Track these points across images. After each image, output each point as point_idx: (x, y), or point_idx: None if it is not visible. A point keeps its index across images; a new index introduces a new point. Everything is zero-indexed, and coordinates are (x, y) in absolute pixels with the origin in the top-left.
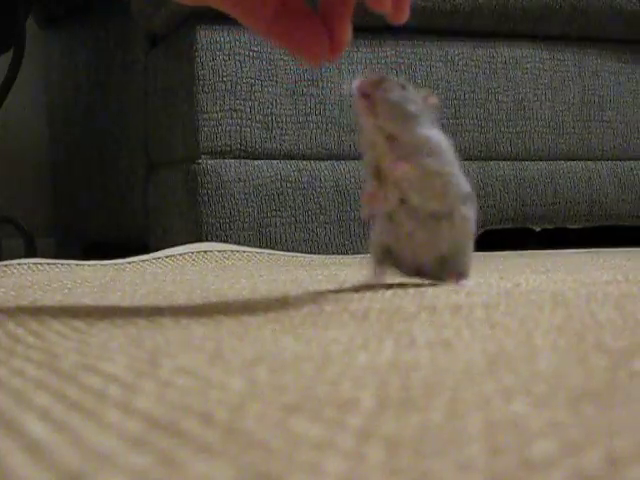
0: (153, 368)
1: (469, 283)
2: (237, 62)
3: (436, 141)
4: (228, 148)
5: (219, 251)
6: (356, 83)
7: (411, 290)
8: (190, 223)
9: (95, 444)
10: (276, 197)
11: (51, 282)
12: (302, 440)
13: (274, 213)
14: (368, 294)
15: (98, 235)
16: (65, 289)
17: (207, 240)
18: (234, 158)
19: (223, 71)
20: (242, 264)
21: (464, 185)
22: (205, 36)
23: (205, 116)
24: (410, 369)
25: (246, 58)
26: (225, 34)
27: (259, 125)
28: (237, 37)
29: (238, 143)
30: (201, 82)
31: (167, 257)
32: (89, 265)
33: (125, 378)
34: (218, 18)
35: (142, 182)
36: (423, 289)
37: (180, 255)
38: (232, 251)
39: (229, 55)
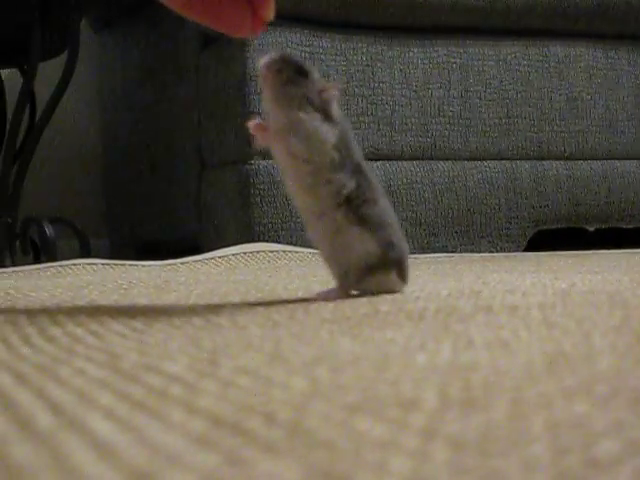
0: (214, 368)
1: (329, 294)
2: None
3: (308, 127)
4: None
5: (271, 251)
6: (262, 60)
7: (466, 290)
8: (242, 224)
9: (161, 443)
10: None
11: (106, 282)
12: (367, 439)
13: None
14: (423, 294)
15: (151, 236)
16: (121, 289)
17: (259, 240)
18: None
19: None
20: (294, 264)
21: (346, 188)
22: (257, 37)
23: (257, 116)
24: (470, 369)
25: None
26: (277, 34)
27: None
28: (289, 37)
29: None
30: (253, 83)
31: (220, 257)
32: (143, 265)
33: (187, 378)
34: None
35: (195, 183)
36: (477, 289)
37: (233, 255)
38: (284, 251)
39: None
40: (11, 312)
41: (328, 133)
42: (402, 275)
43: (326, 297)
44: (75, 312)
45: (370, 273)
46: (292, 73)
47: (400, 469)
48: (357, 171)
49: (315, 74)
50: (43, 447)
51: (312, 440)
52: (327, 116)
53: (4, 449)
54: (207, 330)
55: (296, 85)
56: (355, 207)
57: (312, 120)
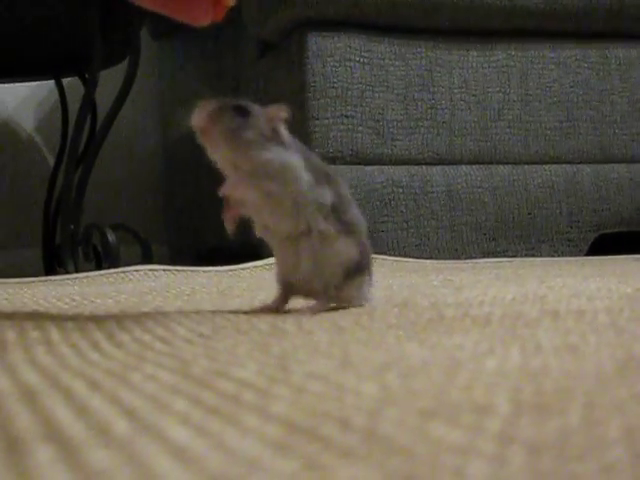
0: (285, 374)
1: (316, 307)
2: (348, 68)
3: (275, 164)
4: (339, 154)
5: None
6: (195, 117)
7: (530, 295)
8: None
9: (239, 449)
10: (387, 202)
11: (169, 288)
12: (443, 445)
13: (385, 218)
14: (487, 299)
15: (211, 242)
16: (184, 295)
17: None
18: (345, 164)
19: (334, 77)
20: None
21: (326, 200)
22: (315, 43)
23: (316, 122)
24: (540, 374)
25: (357, 64)
26: (336, 40)
27: (370, 131)
28: (348, 43)
29: (349, 149)
30: (312, 89)
31: None
32: (204, 271)
33: (258, 384)
34: (329, 25)
35: None
36: (542, 294)
37: None
38: None
39: (340, 61)
40: (78, 318)
41: (294, 160)
42: (371, 277)
43: (314, 310)
44: (141, 318)
45: (349, 278)
46: (235, 118)
47: (478, 474)
48: (329, 180)
49: (253, 107)
50: (121, 453)
51: (388, 446)
52: (283, 145)
53: (83, 455)
54: (274, 336)
55: (246, 127)
56: (340, 214)
57: (278, 156)
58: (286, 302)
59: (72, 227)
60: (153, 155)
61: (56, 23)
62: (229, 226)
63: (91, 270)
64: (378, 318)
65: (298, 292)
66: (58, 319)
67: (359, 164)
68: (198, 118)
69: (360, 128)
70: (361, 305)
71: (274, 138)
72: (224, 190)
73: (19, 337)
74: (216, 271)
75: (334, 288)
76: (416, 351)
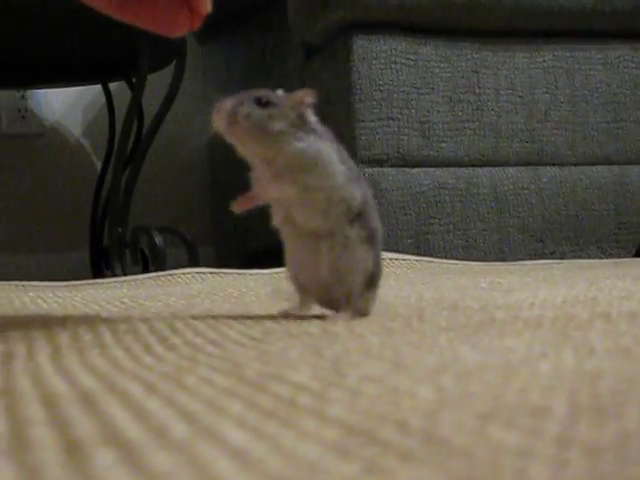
0: (339, 377)
1: (341, 316)
2: (394, 70)
3: (311, 154)
4: (385, 156)
5: (390, 259)
6: (215, 119)
7: (581, 297)
8: None
9: (298, 452)
10: (434, 204)
11: (217, 291)
12: (502, 447)
13: (432, 220)
14: (537, 301)
15: (257, 244)
16: (232, 298)
17: None
18: (391, 166)
19: (380, 80)
20: (402, 272)
21: (356, 200)
22: (361, 45)
23: (362, 125)
24: (595, 377)
25: (402, 66)
26: (381, 43)
27: (416, 133)
28: (393, 46)
29: (395, 151)
30: (358, 91)
31: None
32: (250, 274)
33: (313, 387)
34: (374, 27)
35: None
36: (592, 296)
37: None
38: (391, 259)
39: (385, 64)
40: (130, 321)
41: (329, 151)
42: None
43: (341, 319)
44: (192, 321)
45: (366, 291)
46: (257, 109)
47: (539, 476)
48: (358, 180)
49: (275, 95)
50: (181, 455)
51: (448, 448)
52: (316, 134)
53: (144, 458)
54: (325, 339)
55: (272, 118)
56: (365, 221)
57: (312, 145)
58: (308, 308)
59: (120, 230)
60: (199, 158)
61: (103, 28)
62: (237, 209)
63: (138, 273)
64: (428, 321)
65: (315, 299)
66: (110, 322)
67: (405, 166)
68: (218, 119)
69: (406, 130)
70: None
71: (303, 125)
72: (257, 194)
73: (72, 340)
74: (263, 274)
75: (351, 300)
76: (469, 354)
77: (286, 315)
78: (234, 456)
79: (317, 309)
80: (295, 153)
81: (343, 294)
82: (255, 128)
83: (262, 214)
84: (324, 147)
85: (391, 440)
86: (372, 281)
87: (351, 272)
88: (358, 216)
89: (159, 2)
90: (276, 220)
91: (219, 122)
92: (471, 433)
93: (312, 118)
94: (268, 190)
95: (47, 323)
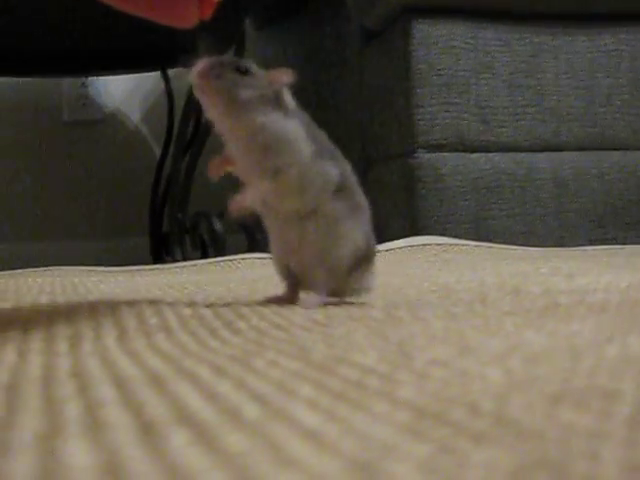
0: (406, 360)
1: (314, 300)
2: (453, 55)
3: (273, 129)
4: (444, 142)
5: (438, 244)
6: (193, 70)
7: None
8: (407, 217)
9: (370, 433)
10: (493, 190)
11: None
12: (573, 429)
13: (491, 206)
14: (600, 286)
15: None
16: None
17: (424, 234)
18: (450, 151)
19: (439, 65)
20: (462, 257)
21: (332, 177)
22: (420, 30)
23: (421, 110)
24: None
25: (462, 51)
26: (440, 27)
27: (475, 118)
28: (452, 30)
29: (454, 136)
30: (417, 76)
31: (386, 251)
32: None
33: (381, 369)
34: (433, 12)
35: (359, 177)
36: None
37: (399, 249)
38: (451, 244)
39: (445, 48)
40: (194, 306)
41: (295, 129)
42: (374, 269)
43: (311, 304)
44: (255, 305)
45: (356, 269)
46: (234, 74)
47: (613, 457)
48: (335, 158)
49: (255, 67)
50: (255, 437)
51: (519, 430)
52: (285, 110)
53: (218, 439)
54: (388, 323)
55: (244, 87)
56: (347, 196)
57: (275, 121)
58: (297, 293)
59: (180, 216)
60: None
61: None
62: (212, 174)
63: (197, 259)
64: (491, 305)
65: (299, 283)
66: (174, 307)
67: (464, 152)
68: (195, 71)
69: (465, 115)
70: (364, 298)
71: (275, 103)
72: (236, 204)
73: (139, 324)
74: None
75: (339, 279)
76: (534, 338)
77: (276, 301)
78: (307, 437)
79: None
80: (257, 127)
81: (323, 276)
82: (223, 91)
83: None
84: (289, 124)
85: (462, 422)
86: (365, 258)
87: (337, 248)
88: (337, 192)
89: None
90: (257, 206)
91: (193, 75)
92: (542, 415)
93: (287, 97)
94: (246, 198)
95: (112, 307)
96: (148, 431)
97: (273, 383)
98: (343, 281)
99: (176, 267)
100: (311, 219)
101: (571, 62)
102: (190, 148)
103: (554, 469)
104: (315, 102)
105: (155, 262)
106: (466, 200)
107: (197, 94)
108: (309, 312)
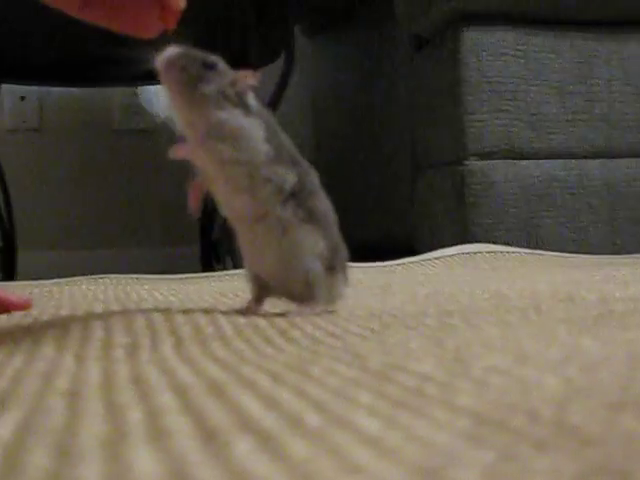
0: (464, 368)
1: (301, 312)
2: (503, 62)
3: (229, 125)
4: (495, 149)
5: (488, 252)
6: (158, 57)
7: None
8: (457, 224)
9: (432, 440)
10: (544, 197)
11: None
12: (635, 436)
13: (542, 213)
14: None
15: (363, 237)
16: None
17: (474, 241)
18: (501, 159)
19: (489, 72)
20: (512, 265)
21: (287, 182)
22: (470, 37)
23: (471, 117)
24: None
25: (512, 58)
26: (490, 35)
27: (526, 125)
28: (502, 37)
29: (505, 143)
30: (467, 83)
31: (436, 259)
32: (359, 267)
33: (439, 377)
34: (483, 19)
35: (408, 184)
36: None
37: (449, 257)
38: (501, 252)
39: (494, 55)
40: (247, 314)
41: (253, 128)
42: (346, 280)
43: (301, 313)
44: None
45: (323, 278)
46: (199, 68)
47: None
48: (295, 163)
49: (222, 65)
50: (318, 444)
51: (581, 437)
52: (245, 109)
53: (282, 446)
54: (443, 331)
55: (207, 81)
56: (302, 201)
57: (234, 118)
58: (261, 303)
59: (226, 224)
60: (307, 151)
61: (212, 23)
62: (193, 205)
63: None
64: (545, 313)
65: (272, 291)
66: (228, 314)
67: (515, 159)
68: (160, 59)
69: (516, 122)
70: (332, 306)
71: (236, 101)
72: (176, 152)
73: (194, 332)
74: (370, 267)
75: (300, 287)
76: (591, 345)
77: (246, 312)
78: (370, 444)
79: (277, 304)
80: (214, 122)
81: (300, 281)
82: (184, 83)
83: (365, 209)
84: (247, 123)
85: (523, 429)
86: (331, 266)
87: (296, 256)
88: (292, 196)
89: (127, 3)
90: (223, 210)
91: (158, 64)
92: (603, 423)
93: (250, 99)
94: (187, 153)
95: (167, 315)
96: (211, 438)
97: (332, 391)
98: (306, 289)
99: (226, 275)
100: (261, 223)
101: (623, 68)
102: None
103: (617, 476)
104: (365, 110)
105: (204, 270)
106: (517, 207)
107: (161, 82)
108: (363, 320)
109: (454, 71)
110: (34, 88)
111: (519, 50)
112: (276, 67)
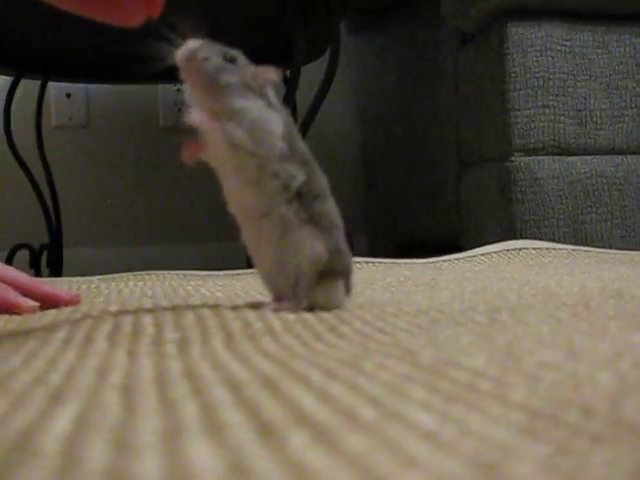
0: (515, 363)
1: (276, 307)
2: (549, 58)
3: (252, 113)
4: (541, 145)
5: (535, 248)
6: (179, 51)
7: None
8: (503, 221)
9: (488, 435)
10: (591, 193)
11: (375, 280)
12: None
13: (589, 209)
14: None
15: (409, 234)
16: (391, 287)
17: (520, 238)
18: (547, 155)
19: (535, 67)
20: (559, 261)
21: (294, 180)
22: (516, 33)
23: (517, 113)
24: None
25: (558, 53)
26: (536, 30)
27: (572, 121)
28: (549, 32)
29: (551, 139)
30: (513, 79)
31: (482, 255)
32: (405, 263)
33: (491, 372)
34: (529, 14)
35: (454, 181)
36: None
37: (495, 253)
38: (548, 248)
39: (541, 51)
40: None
41: (274, 121)
42: (348, 287)
43: (279, 309)
44: (356, 310)
45: (317, 282)
46: (220, 60)
47: None
48: (305, 164)
49: (242, 58)
50: (373, 438)
51: (636, 432)
52: (267, 102)
53: (338, 440)
54: (492, 327)
55: (229, 72)
56: (307, 203)
57: (256, 107)
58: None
59: None
60: (352, 148)
61: (257, 21)
62: (187, 160)
63: None
64: (595, 309)
65: (270, 290)
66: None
67: (561, 155)
68: (182, 52)
69: (562, 118)
70: (329, 311)
71: (259, 93)
72: (192, 119)
73: (244, 328)
74: (418, 263)
75: (305, 289)
76: None
77: (278, 309)
78: (426, 438)
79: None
80: (237, 108)
81: (287, 283)
82: (207, 74)
83: (410, 206)
84: (271, 115)
85: (578, 423)
86: (330, 273)
87: (291, 256)
88: (298, 196)
89: None
90: (230, 205)
91: (180, 57)
92: None
93: (270, 92)
94: (203, 122)
95: (216, 311)
96: (267, 432)
97: (384, 385)
98: (292, 290)
99: None
100: (265, 220)
101: None
102: None
103: None
104: (410, 106)
105: (249, 267)
106: (563, 203)
107: (182, 75)
108: (412, 317)
109: (500, 67)
110: (80, 85)
111: (565, 45)
112: (320, 65)
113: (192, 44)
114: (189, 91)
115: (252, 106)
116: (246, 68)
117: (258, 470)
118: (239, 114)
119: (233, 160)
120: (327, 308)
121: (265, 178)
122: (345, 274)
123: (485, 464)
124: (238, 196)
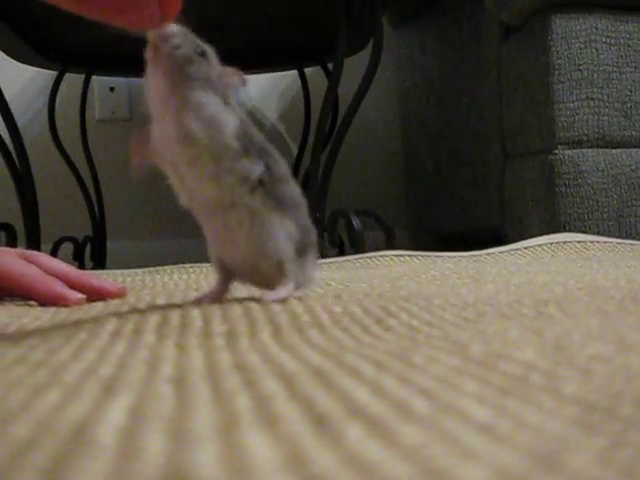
0: (566, 356)
1: (274, 296)
2: (593, 50)
3: (211, 112)
4: (585, 137)
5: (579, 242)
6: (158, 30)
7: None
8: (547, 214)
9: (543, 427)
10: (636, 186)
11: (418, 273)
12: None
13: (634, 202)
14: None
15: (451, 227)
16: (436, 280)
17: (564, 231)
18: (591, 147)
19: (579, 59)
20: (603, 255)
21: (252, 175)
22: (560, 25)
23: (561, 106)
24: None
25: (603, 45)
26: (581, 22)
27: (617, 113)
28: (593, 24)
29: (596, 132)
30: (557, 71)
31: (525, 248)
32: (449, 257)
33: (542, 365)
34: (573, 6)
35: (497, 174)
36: None
37: (539, 246)
38: (592, 242)
39: (585, 43)
40: (342, 302)
41: (228, 120)
42: (316, 263)
43: (278, 298)
44: (402, 303)
45: (295, 260)
46: (191, 51)
47: None
48: (263, 153)
49: (213, 56)
50: (429, 430)
51: None
52: (225, 101)
53: (393, 432)
54: (540, 320)
55: (196, 64)
56: (270, 188)
57: (214, 104)
58: (227, 289)
59: (318, 214)
60: (394, 141)
61: (300, 14)
62: (136, 171)
63: (334, 256)
64: None
65: (242, 278)
66: (323, 303)
67: (606, 147)
68: (157, 32)
69: (607, 110)
70: (307, 288)
71: (219, 91)
72: (146, 107)
73: (291, 320)
74: (461, 256)
75: (273, 273)
76: None
77: (205, 299)
78: (481, 431)
79: (243, 291)
80: (195, 102)
81: (272, 266)
82: (173, 64)
83: (454, 199)
84: (224, 115)
85: (633, 416)
86: (302, 248)
87: (267, 242)
88: (261, 184)
89: None
90: (183, 200)
91: (154, 36)
92: None
93: (231, 94)
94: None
95: (262, 303)
96: (321, 424)
97: (436, 378)
98: (277, 274)
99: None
100: (230, 211)
101: None
102: (327, 147)
103: None
104: (452, 98)
105: None
106: (607, 197)
107: (147, 55)
108: (459, 309)
109: (544, 59)
110: (123, 79)
111: (610, 37)
112: (362, 58)
113: (170, 28)
114: (149, 74)
115: (210, 102)
116: (214, 66)
117: (316, 461)
118: (197, 108)
119: (187, 153)
120: (305, 284)
121: (222, 173)
122: (313, 250)
123: (542, 456)
124: (196, 191)
